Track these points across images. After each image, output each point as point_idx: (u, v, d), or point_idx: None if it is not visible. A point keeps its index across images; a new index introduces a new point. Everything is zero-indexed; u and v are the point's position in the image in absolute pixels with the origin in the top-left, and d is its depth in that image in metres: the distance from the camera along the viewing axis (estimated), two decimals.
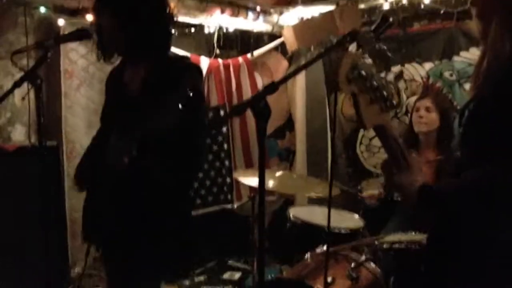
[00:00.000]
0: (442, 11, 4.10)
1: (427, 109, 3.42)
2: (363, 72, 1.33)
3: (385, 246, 2.70)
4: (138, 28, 2.14)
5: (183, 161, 2.17)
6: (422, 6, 4.06)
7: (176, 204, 2.26)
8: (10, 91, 1.98)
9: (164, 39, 2.26)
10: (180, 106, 1.88)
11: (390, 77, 4.20)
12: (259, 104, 1.39)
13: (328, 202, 1.55)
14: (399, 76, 1.21)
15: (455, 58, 4.18)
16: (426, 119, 3.40)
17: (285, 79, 1.51)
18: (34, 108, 3.03)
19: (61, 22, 3.89)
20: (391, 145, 1.47)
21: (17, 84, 1.95)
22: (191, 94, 1.90)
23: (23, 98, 2.65)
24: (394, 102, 1.40)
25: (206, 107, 2.36)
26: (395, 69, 4.29)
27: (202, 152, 2.36)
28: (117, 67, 2.39)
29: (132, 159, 1.98)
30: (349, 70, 1.31)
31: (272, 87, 1.41)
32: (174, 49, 4.25)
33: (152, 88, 2.13)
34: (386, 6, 4.06)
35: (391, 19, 1.48)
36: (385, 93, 1.38)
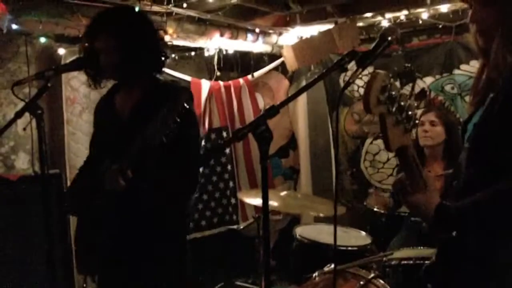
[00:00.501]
0: (440, 26, 4.13)
1: (432, 123, 3.42)
2: (393, 93, 1.32)
3: (393, 262, 2.67)
4: (134, 51, 2.16)
5: (179, 179, 2.16)
6: (421, 21, 4.09)
7: (172, 226, 2.25)
8: (12, 121, 2.00)
9: (157, 64, 2.28)
10: (172, 122, 1.88)
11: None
12: (260, 128, 1.39)
13: (334, 219, 1.54)
14: (422, 94, 1.20)
15: (456, 71, 4.20)
16: (431, 133, 3.41)
17: (285, 102, 1.51)
18: (36, 137, 3.05)
19: (61, 51, 3.92)
20: (411, 164, 1.46)
21: (18, 115, 1.96)
22: (182, 111, 1.91)
23: (24, 129, 2.65)
24: (417, 122, 1.39)
25: (197, 124, 2.35)
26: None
27: (196, 170, 2.34)
28: (107, 94, 2.40)
29: (128, 181, 1.98)
30: (380, 92, 1.29)
31: (273, 111, 1.41)
32: (174, 73, 4.34)
33: (143, 111, 2.13)
34: (384, 23, 4.11)
35: (389, 38, 1.48)
36: (410, 113, 1.37)
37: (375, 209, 4.15)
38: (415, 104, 1.29)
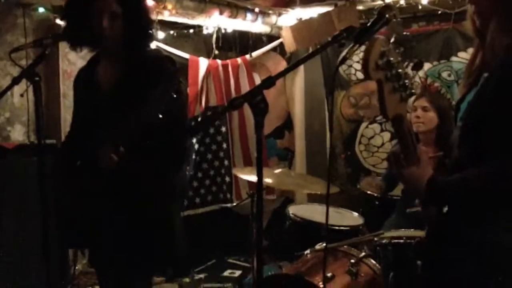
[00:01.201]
0: (439, 12, 4.13)
1: (424, 109, 3.43)
2: (392, 59, 1.32)
3: (384, 241, 2.71)
4: (133, 22, 2.13)
5: (169, 155, 2.17)
6: (420, 7, 4.09)
7: (162, 201, 2.24)
8: (9, 88, 1.96)
9: (148, 38, 2.25)
10: (169, 100, 1.89)
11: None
12: (256, 98, 1.40)
13: (326, 199, 1.56)
14: (419, 65, 1.20)
15: (453, 58, 4.21)
16: (424, 118, 3.42)
17: (282, 74, 1.52)
18: (33, 108, 3.04)
19: (60, 22, 3.90)
20: (406, 136, 1.47)
21: (15, 81, 1.93)
22: (176, 89, 1.92)
23: (21, 95, 2.63)
24: (414, 91, 1.40)
25: (186, 99, 2.33)
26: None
27: (185, 145, 2.34)
28: (87, 65, 2.34)
29: (121, 158, 1.98)
30: (379, 57, 1.30)
31: (269, 82, 1.42)
32: (173, 50, 4.33)
33: (129, 85, 2.10)
34: None
35: (387, 16, 1.48)
36: (407, 82, 1.38)
37: (368, 192, 4.19)
38: (412, 75, 1.31)
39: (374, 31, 1.51)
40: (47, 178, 2.03)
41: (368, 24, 1.51)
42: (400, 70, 1.36)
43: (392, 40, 1.34)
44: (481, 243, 1.49)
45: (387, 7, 1.53)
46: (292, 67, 1.54)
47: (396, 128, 1.47)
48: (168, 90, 1.92)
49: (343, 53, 1.58)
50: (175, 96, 1.93)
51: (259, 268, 1.63)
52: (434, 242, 1.66)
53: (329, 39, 4.40)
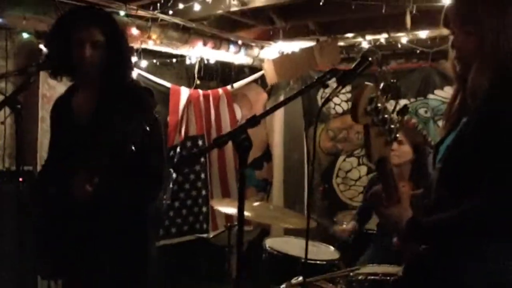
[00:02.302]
0: (418, 51, 4.25)
1: (399, 142, 3.48)
2: (379, 105, 1.36)
3: (360, 277, 2.71)
4: (115, 53, 2.16)
5: (145, 184, 2.19)
6: (400, 45, 4.20)
7: (138, 231, 2.24)
8: None
9: (128, 68, 2.27)
10: (142, 131, 1.90)
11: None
12: (240, 136, 1.42)
13: (306, 233, 1.57)
14: (405, 110, 1.23)
15: (430, 96, 4.32)
16: (398, 151, 3.46)
17: (267, 113, 1.55)
18: (9, 133, 3.01)
19: (42, 47, 3.89)
20: (388, 177, 1.51)
21: None
22: (151, 120, 1.93)
23: (1, 123, 2.61)
24: (398, 135, 1.44)
25: (162, 130, 2.34)
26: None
27: (161, 174, 2.32)
28: (63, 95, 2.36)
29: (95, 188, 1.98)
30: (368, 102, 1.34)
31: (253, 121, 1.45)
32: (154, 78, 4.34)
33: (105, 115, 2.09)
34: (364, 45, 4.20)
35: (370, 59, 1.53)
36: (392, 126, 1.42)
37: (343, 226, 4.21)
38: (397, 119, 1.35)
39: (357, 74, 1.56)
40: (24, 205, 2.01)
41: (352, 67, 1.56)
42: (386, 116, 1.40)
43: (380, 87, 1.38)
44: (457, 284, 1.51)
45: (370, 51, 1.58)
46: (277, 106, 1.56)
47: (380, 170, 1.50)
48: (143, 122, 1.93)
49: (327, 94, 1.61)
50: (148, 128, 1.94)
51: None
52: (411, 280, 1.68)
53: (310, 73, 4.50)
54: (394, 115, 1.43)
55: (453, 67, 1.64)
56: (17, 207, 2.02)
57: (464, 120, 1.57)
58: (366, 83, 1.35)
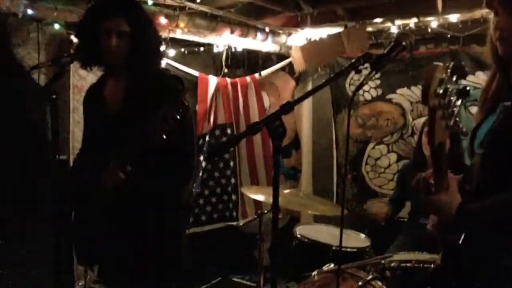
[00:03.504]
0: (448, 35, 4.16)
1: None
2: (448, 87, 1.32)
3: (393, 265, 2.70)
4: (143, 42, 2.18)
5: (176, 172, 2.22)
6: (429, 30, 4.12)
7: (171, 219, 2.28)
8: None
9: (156, 57, 2.29)
10: (172, 120, 1.91)
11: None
12: (274, 123, 1.42)
13: (341, 219, 1.57)
14: (465, 93, 1.17)
15: (461, 82, 4.22)
16: None
17: (300, 99, 1.54)
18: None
19: (73, 38, 3.94)
20: (442, 163, 1.47)
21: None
22: (182, 109, 1.94)
23: None
24: (457, 119, 1.38)
25: (192, 119, 2.36)
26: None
27: (192, 162, 2.35)
28: (94, 85, 2.39)
29: (128, 175, 2.01)
30: (438, 84, 1.29)
31: (287, 107, 1.45)
32: (182, 67, 4.36)
33: (136, 104, 2.14)
34: (393, 30, 4.14)
35: (404, 43, 1.51)
36: (454, 110, 1.36)
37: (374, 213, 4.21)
38: (457, 102, 1.30)
39: (391, 58, 1.54)
40: (59, 193, 2.05)
41: (385, 51, 1.54)
42: (452, 98, 1.34)
43: (450, 66, 1.32)
44: (498, 270, 1.49)
45: (404, 34, 1.56)
46: (311, 92, 1.55)
47: (436, 156, 1.46)
48: (172, 110, 1.94)
49: (355, 81, 1.59)
50: (178, 116, 1.95)
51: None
52: (452, 269, 1.65)
53: (338, 60, 4.45)
54: (455, 98, 1.36)
55: (492, 50, 1.59)
56: (53, 196, 2.06)
57: (506, 104, 1.53)
58: (436, 63, 1.30)
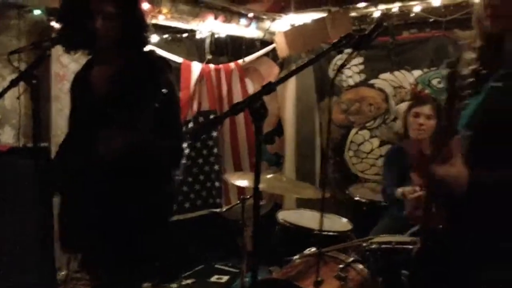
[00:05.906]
0: (431, 20, 4.18)
1: (428, 117, 3.41)
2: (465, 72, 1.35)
3: (373, 246, 2.74)
4: (129, 23, 2.15)
5: (163, 156, 2.20)
6: (412, 14, 4.13)
7: (157, 206, 2.25)
8: (6, 90, 1.93)
9: (142, 39, 2.26)
10: (156, 103, 1.91)
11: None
12: (256, 104, 1.42)
13: (321, 203, 1.59)
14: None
15: (443, 66, 4.25)
16: (426, 126, 3.40)
17: (282, 80, 1.55)
18: (24, 111, 3.03)
19: (55, 24, 3.89)
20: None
21: (13, 84, 1.90)
22: (165, 90, 1.94)
23: (18, 98, 2.61)
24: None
25: (178, 94, 2.35)
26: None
27: (180, 148, 2.36)
28: (81, 70, 2.35)
29: (123, 145, 1.97)
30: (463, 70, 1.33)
31: (269, 87, 1.45)
32: (165, 54, 4.34)
33: (124, 86, 2.11)
34: (376, 14, 4.14)
35: (385, 24, 1.52)
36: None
37: (356, 198, 4.23)
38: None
39: (372, 39, 1.55)
40: (41, 181, 2.03)
41: (367, 32, 1.54)
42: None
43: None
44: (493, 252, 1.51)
45: (386, 15, 1.56)
46: (292, 73, 1.56)
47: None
48: (160, 84, 1.93)
49: (342, 61, 1.59)
50: (165, 91, 1.95)
51: (255, 272, 1.65)
52: (436, 252, 1.67)
53: (323, 45, 4.45)
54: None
55: (479, 27, 1.59)
56: (35, 182, 2.03)
57: (496, 85, 1.52)
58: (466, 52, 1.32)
